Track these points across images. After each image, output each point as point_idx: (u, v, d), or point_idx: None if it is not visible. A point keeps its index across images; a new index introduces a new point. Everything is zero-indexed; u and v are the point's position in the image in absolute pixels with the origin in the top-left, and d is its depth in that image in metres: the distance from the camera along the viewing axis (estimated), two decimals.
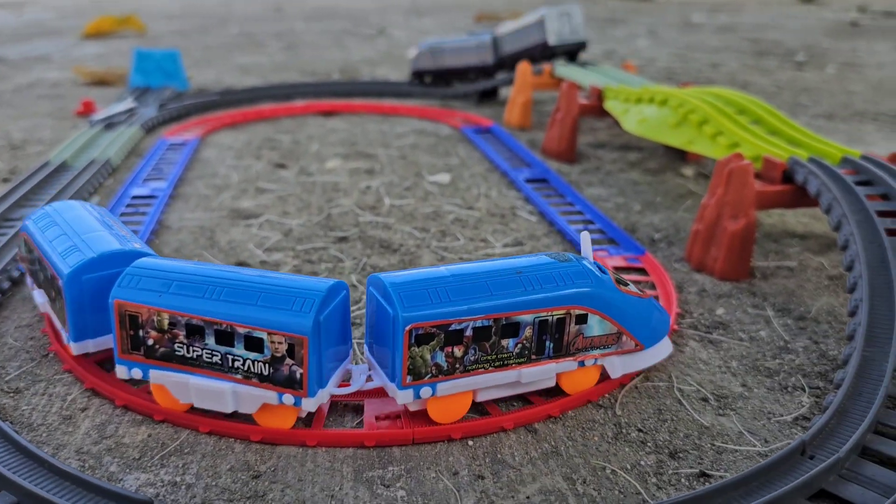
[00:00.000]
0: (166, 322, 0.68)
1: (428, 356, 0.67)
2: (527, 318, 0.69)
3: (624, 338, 0.76)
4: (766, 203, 1.07)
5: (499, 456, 0.69)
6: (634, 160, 1.67)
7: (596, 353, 0.75)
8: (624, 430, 0.73)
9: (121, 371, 0.72)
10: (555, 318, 0.71)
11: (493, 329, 0.69)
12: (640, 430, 0.73)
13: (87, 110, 2.07)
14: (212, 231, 1.23)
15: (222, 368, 0.69)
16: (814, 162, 1.08)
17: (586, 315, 0.72)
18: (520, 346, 0.70)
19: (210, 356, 0.68)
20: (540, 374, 0.72)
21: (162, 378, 0.71)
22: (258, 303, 0.66)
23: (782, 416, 0.76)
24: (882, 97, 2.45)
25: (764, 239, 1.22)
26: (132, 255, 0.79)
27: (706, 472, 0.67)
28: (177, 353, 0.69)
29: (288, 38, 4.00)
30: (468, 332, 0.68)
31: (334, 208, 1.34)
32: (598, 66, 2.04)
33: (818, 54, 3.53)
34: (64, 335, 0.81)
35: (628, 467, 0.68)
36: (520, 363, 0.71)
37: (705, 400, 0.79)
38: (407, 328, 0.65)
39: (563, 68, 1.96)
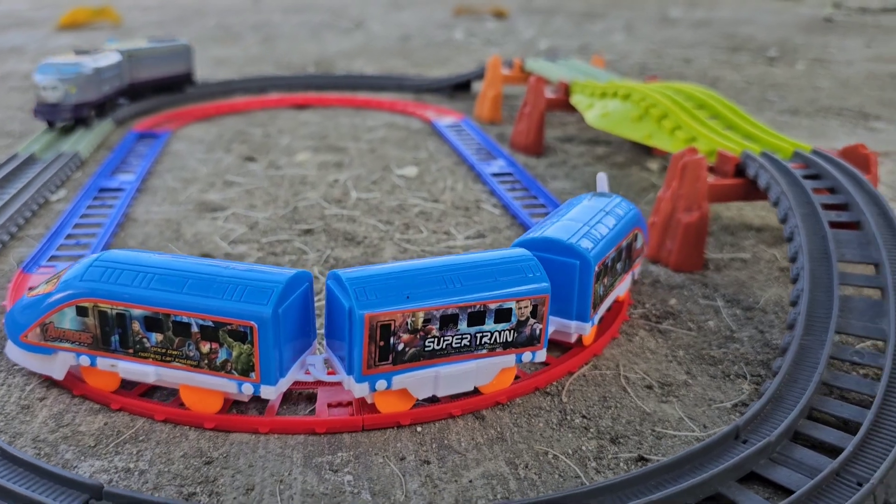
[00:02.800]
0: (421, 321, 0.70)
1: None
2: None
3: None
4: (719, 196, 1.10)
5: (445, 442, 0.71)
6: (601, 154, 1.70)
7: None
8: (569, 417, 0.76)
9: (362, 389, 0.70)
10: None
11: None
12: (584, 417, 0.76)
13: None
14: (178, 224, 1.24)
15: (469, 349, 0.73)
16: (765, 156, 1.11)
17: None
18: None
19: (459, 340, 0.72)
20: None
21: (406, 380, 0.71)
22: (497, 281, 0.72)
23: (723, 402, 0.79)
24: (848, 93, 2.49)
25: (721, 231, 1.25)
26: (300, 278, 0.73)
27: (644, 456, 0.70)
28: (426, 349, 0.71)
29: (265, 30, 4.00)
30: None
31: (301, 201, 1.35)
32: (569, 60, 2.06)
33: (790, 50, 3.57)
34: (261, 388, 0.71)
35: (570, 452, 0.70)
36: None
37: (650, 387, 0.81)
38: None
39: (533, 62, 1.98)
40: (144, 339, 0.71)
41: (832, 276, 0.87)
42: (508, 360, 0.75)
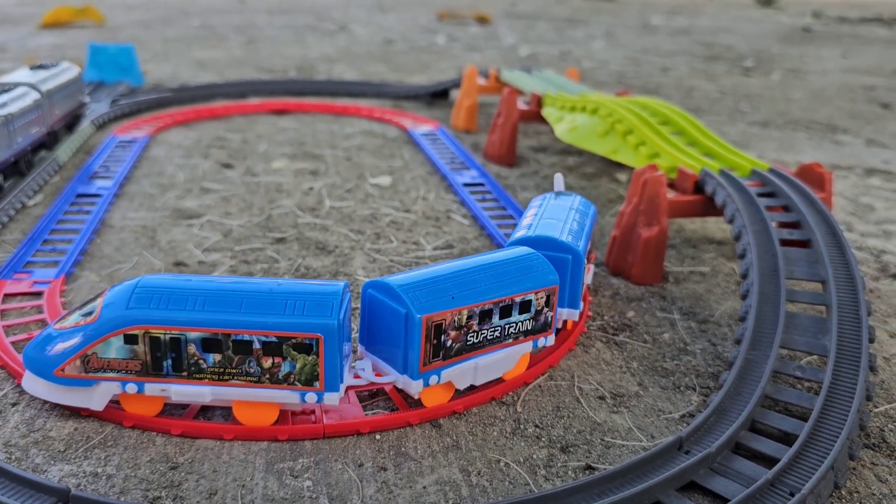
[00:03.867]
0: (465, 318, 0.77)
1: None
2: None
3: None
4: (678, 212, 1.14)
5: (402, 449, 0.75)
6: (572, 164, 1.73)
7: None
8: (522, 426, 0.79)
9: (418, 386, 0.76)
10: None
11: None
12: (537, 426, 0.79)
13: None
14: (153, 231, 1.26)
15: (500, 339, 0.81)
16: (723, 174, 1.15)
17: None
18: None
19: (492, 332, 0.80)
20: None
21: (452, 373, 0.78)
22: (518, 277, 0.81)
23: (671, 413, 0.83)
24: (819, 105, 2.55)
25: (683, 244, 1.29)
26: (345, 289, 0.77)
27: (592, 465, 0.74)
28: (468, 342, 0.78)
29: (249, 32, 4.02)
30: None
31: (275, 209, 1.38)
32: (543, 72, 2.10)
33: (766, 60, 3.63)
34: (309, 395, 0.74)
35: (521, 460, 0.74)
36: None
37: (602, 398, 0.85)
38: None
39: (508, 73, 2.02)
40: (201, 361, 0.73)
41: (780, 292, 0.91)
42: (528, 346, 0.84)
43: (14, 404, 0.80)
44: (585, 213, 1.02)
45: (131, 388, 0.74)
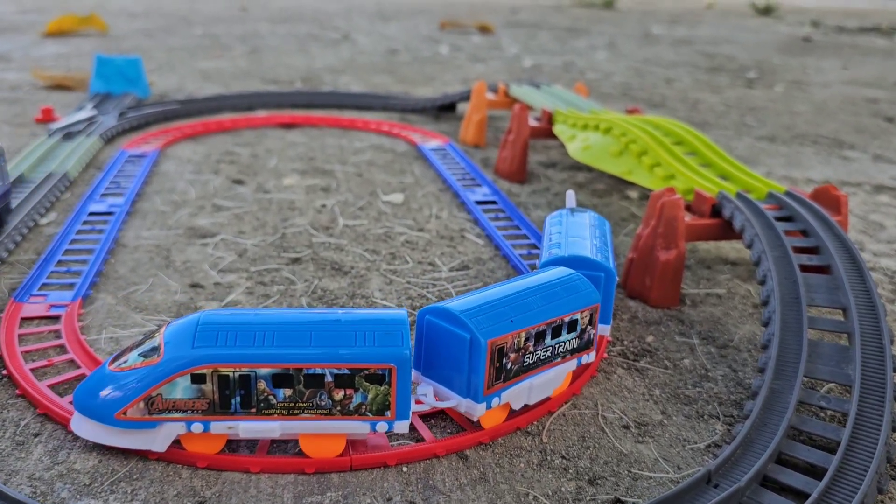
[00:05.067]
0: (523, 339, 0.79)
1: None
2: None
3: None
4: (696, 235, 1.14)
5: (430, 482, 0.74)
6: (583, 181, 1.74)
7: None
8: (548, 457, 0.79)
9: (482, 409, 0.77)
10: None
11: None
12: (563, 458, 0.79)
13: (46, 118, 2.08)
14: (168, 250, 1.26)
15: (551, 359, 0.83)
16: (741, 197, 1.15)
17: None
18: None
19: (545, 352, 0.82)
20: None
21: (510, 394, 0.80)
22: (565, 298, 0.83)
23: (696, 443, 0.83)
24: (823, 119, 2.55)
25: (698, 265, 1.29)
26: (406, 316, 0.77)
27: (620, 498, 0.73)
28: (525, 363, 0.80)
29: (252, 41, 4.02)
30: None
31: (289, 228, 1.38)
32: (552, 87, 2.10)
33: (769, 71, 3.64)
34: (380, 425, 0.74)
35: (549, 493, 0.73)
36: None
37: (627, 427, 0.85)
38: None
39: (517, 89, 2.02)
40: (271, 397, 0.72)
41: (802, 320, 0.91)
42: (573, 364, 0.87)
43: (36, 434, 0.79)
44: (603, 229, 1.06)
45: (197, 427, 0.73)
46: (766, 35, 5.37)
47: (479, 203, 1.52)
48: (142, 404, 0.72)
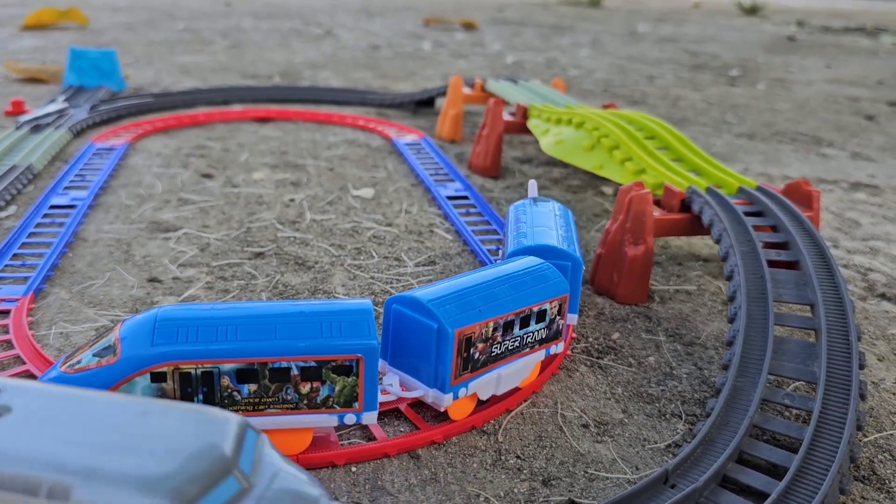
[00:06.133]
0: (491, 329, 0.78)
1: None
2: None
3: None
4: (664, 231, 1.12)
5: (379, 483, 0.72)
6: (557, 176, 1.71)
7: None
8: (503, 457, 0.77)
9: (448, 399, 0.76)
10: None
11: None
12: (518, 457, 0.77)
13: (16, 110, 2.04)
14: (128, 245, 1.23)
15: (520, 349, 0.82)
16: (710, 192, 1.13)
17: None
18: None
19: (513, 342, 0.81)
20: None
21: (478, 385, 0.79)
22: (534, 287, 0.82)
23: (657, 443, 0.80)
24: (804, 117, 2.54)
25: (668, 261, 1.27)
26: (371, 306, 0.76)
27: (574, 500, 0.71)
28: (492, 354, 0.79)
29: (234, 36, 3.98)
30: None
31: (255, 222, 1.35)
32: (529, 82, 2.08)
33: (752, 69, 3.63)
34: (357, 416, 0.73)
35: (501, 494, 0.71)
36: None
37: (586, 426, 0.82)
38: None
39: (494, 83, 1.99)
40: (235, 393, 0.69)
41: (768, 316, 0.89)
42: (542, 354, 0.86)
43: None
44: (567, 218, 1.04)
45: None
46: (751, 34, 5.36)
47: (450, 198, 1.50)
48: None
